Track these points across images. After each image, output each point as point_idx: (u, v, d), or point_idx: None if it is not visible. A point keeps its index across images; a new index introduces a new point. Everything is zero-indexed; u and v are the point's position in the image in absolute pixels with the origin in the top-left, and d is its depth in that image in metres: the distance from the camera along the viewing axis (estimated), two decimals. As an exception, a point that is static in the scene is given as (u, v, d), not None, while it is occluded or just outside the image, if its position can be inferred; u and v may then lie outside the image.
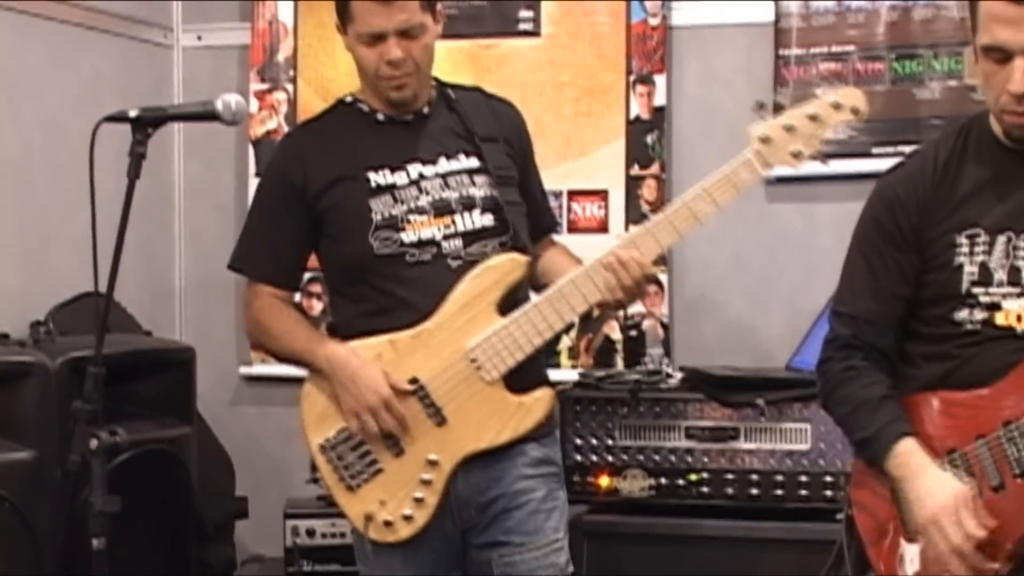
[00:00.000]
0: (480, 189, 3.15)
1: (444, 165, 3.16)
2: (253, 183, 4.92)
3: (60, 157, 4.40)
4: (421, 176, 3.14)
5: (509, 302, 3.09)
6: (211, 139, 4.96)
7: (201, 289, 5.10)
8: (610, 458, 3.96)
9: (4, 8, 4.27)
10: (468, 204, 3.14)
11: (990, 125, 2.76)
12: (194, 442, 4.05)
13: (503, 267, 3.10)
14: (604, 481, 3.96)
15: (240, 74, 5.01)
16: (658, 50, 4.58)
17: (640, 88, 4.60)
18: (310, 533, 4.28)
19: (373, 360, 3.07)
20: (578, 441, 3.93)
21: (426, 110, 3.20)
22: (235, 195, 5.05)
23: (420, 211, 3.11)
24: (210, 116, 2.86)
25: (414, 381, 3.06)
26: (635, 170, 4.60)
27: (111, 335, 3.15)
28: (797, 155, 2.97)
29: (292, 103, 4.92)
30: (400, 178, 3.13)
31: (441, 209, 3.12)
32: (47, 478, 3.45)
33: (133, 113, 2.82)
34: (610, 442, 3.96)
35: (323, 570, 4.26)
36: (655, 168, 4.59)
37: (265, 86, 4.95)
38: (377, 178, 3.13)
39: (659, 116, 4.59)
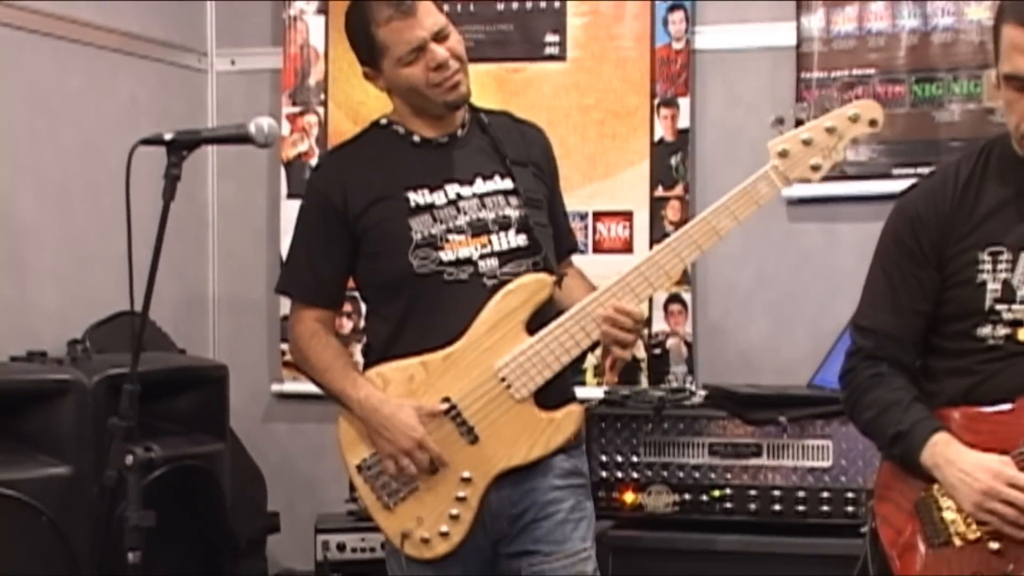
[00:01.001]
0: (515, 210, 3.16)
1: (480, 186, 3.16)
2: (285, 204, 4.95)
3: (98, 179, 4.42)
4: (459, 196, 3.14)
5: (536, 321, 3.09)
6: (244, 161, 4.97)
7: (234, 308, 5.12)
8: (635, 474, 3.96)
9: (44, 35, 4.29)
10: (504, 224, 3.14)
11: (1012, 146, 2.75)
12: (227, 458, 4.06)
13: (530, 287, 3.10)
14: (629, 497, 3.95)
15: (272, 97, 5.02)
16: (682, 73, 4.58)
17: (664, 111, 4.60)
18: (340, 548, 4.28)
19: (406, 381, 3.08)
20: (603, 457, 3.93)
21: (460, 132, 3.20)
22: (267, 216, 5.06)
23: (458, 231, 3.11)
24: (243, 139, 2.87)
25: (446, 401, 3.06)
26: (659, 191, 4.60)
27: (146, 353, 3.16)
28: (816, 168, 2.96)
29: (323, 126, 4.93)
30: (439, 198, 3.13)
31: (478, 229, 3.12)
32: (84, 493, 3.45)
33: (168, 136, 2.83)
34: (635, 458, 3.95)
35: (353, 584, 4.26)
36: (679, 189, 4.58)
37: (297, 109, 4.96)
38: (416, 198, 3.13)
39: (683, 138, 4.59)
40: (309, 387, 4.81)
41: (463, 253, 3.10)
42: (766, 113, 4.46)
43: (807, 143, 2.94)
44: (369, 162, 3.18)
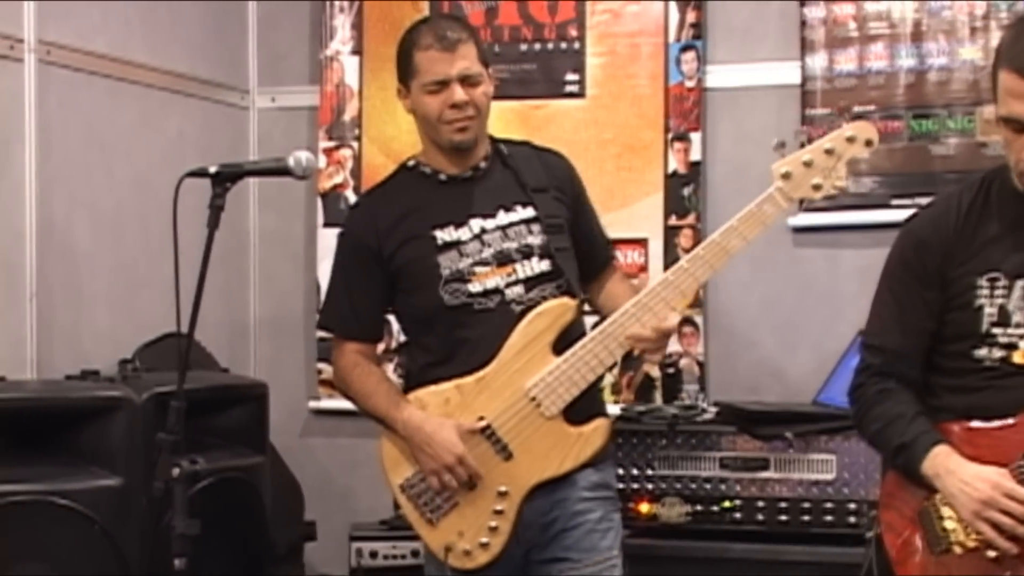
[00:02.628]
0: (536, 237, 3.17)
1: (503, 217, 3.18)
2: (321, 232, 4.96)
3: (148, 210, 4.43)
4: (483, 230, 3.15)
5: (563, 342, 3.10)
6: (283, 192, 4.99)
7: (274, 329, 5.13)
8: (650, 486, 3.95)
9: (99, 75, 4.32)
10: (527, 253, 3.15)
11: (1010, 179, 2.76)
12: (267, 470, 4.06)
13: (555, 311, 3.11)
14: (644, 507, 3.94)
15: (310, 132, 5.04)
16: (693, 110, 4.59)
17: (677, 145, 4.60)
18: (373, 555, 4.28)
19: (442, 404, 3.09)
20: (620, 470, 3.92)
21: (483, 165, 3.22)
22: (304, 243, 5.07)
23: (484, 263, 3.12)
24: (283, 171, 2.88)
25: (480, 419, 3.08)
26: (673, 220, 4.60)
27: (192, 372, 3.16)
28: (817, 187, 2.97)
29: (357, 159, 4.95)
30: (464, 233, 3.15)
31: (503, 259, 3.14)
32: (134, 503, 3.46)
33: (213, 169, 2.84)
34: (650, 471, 3.95)
35: (385, 589, 4.26)
36: (691, 218, 4.58)
37: (332, 143, 4.98)
38: (443, 235, 3.14)
39: (695, 171, 4.59)
40: (344, 404, 4.82)
41: (490, 283, 3.12)
42: (772, 147, 4.51)
43: (808, 164, 2.95)
44: (399, 204, 3.21)
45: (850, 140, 2.93)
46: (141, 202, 4.45)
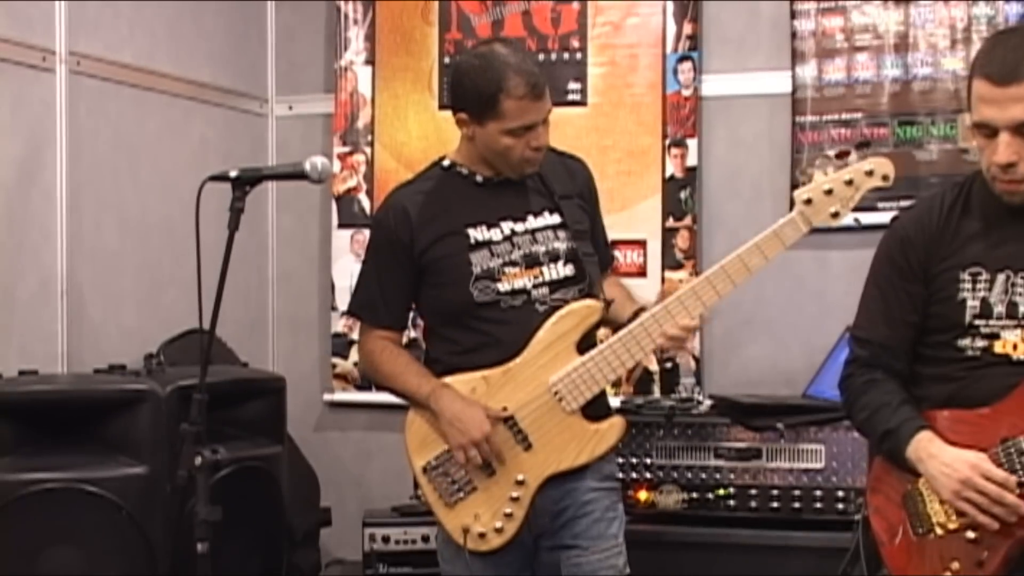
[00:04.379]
0: (563, 243, 3.16)
1: (532, 222, 3.17)
2: (336, 233, 4.97)
3: (172, 212, 4.44)
4: (513, 232, 3.15)
5: (586, 342, 3.10)
6: (300, 195, 4.99)
7: (291, 326, 5.13)
8: (648, 475, 3.95)
9: (126, 84, 4.33)
10: (553, 257, 3.15)
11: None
12: (284, 460, 4.06)
13: (581, 312, 3.11)
14: (643, 495, 3.94)
15: (325, 139, 5.04)
16: (690, 117, 4.59)
17: (674, 150, 4.60)
18: (386, 540, 4.27)
19: (468, 393, 3.09)
20: (620, 460, 3.92)
21: None
22: (320, 244, 5.08)
23: (513, 264, 3.12)
24: (299, 176, 2.87)
25: (504, 409, 3.08)
26: (670, 222, 4.60)
27: (213, 366, 3.18)
28: (835, 215, 2.97)
29: (370, 164, 4.95)
30: (495, 234, 3.13)
31: (531, 262, 3.13)
32: (159, 491, 3.46)
33: (233, 173, 2.84)
34: (648, 461, 3.95)
35: (397, 572, 4.25)
36: (688, 220, 4.58)
37: (347, 149, 4.98)
38: (476, 234, 3.13)
39: (691, 175, 4.59)
40: (358, 397, 4.89)
41: (518, 284, 3.11)
42: (764, 153, 4.53)
43: (828, 192, 2.95)
44: (434, 201, 3.17)
45: (869, 174, 2.94)
46: (165, 205, 4.45)
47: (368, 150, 4.96)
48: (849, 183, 2.95)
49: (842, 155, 4.31)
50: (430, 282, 3.17)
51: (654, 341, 3.05)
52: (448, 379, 3.12)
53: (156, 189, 4.46)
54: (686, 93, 4.60)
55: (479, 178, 3.18)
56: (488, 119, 3.06)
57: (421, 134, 4.88)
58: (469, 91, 3.07)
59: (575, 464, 3.10)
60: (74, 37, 4.07)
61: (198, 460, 2.78)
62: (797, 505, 3.82)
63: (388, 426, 4.68)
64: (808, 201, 2.97)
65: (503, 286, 3.11)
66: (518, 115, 3.04)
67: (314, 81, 5.10)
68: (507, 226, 3.16)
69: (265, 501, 3.87)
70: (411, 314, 3.31)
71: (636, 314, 3.09)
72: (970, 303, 2.75)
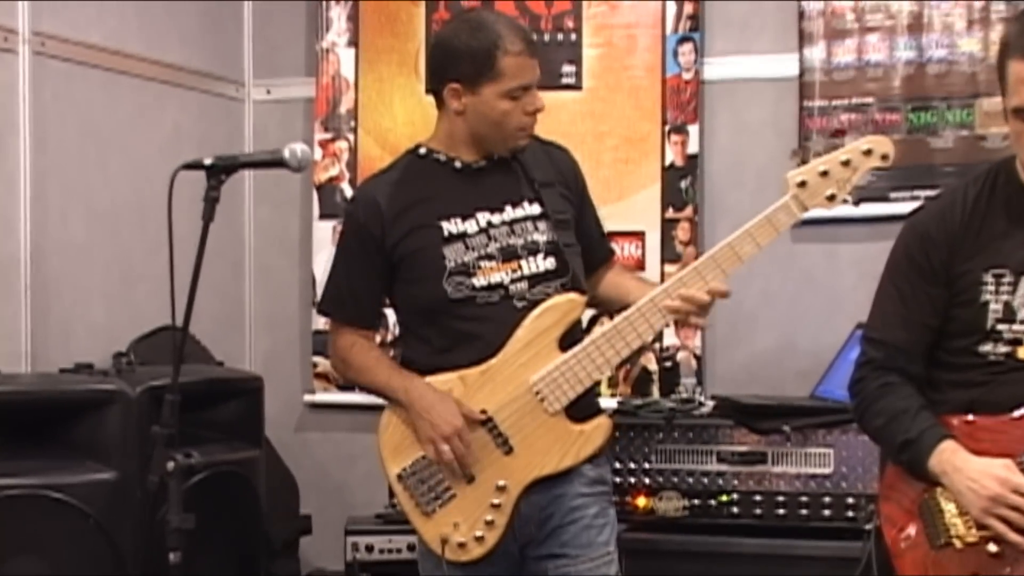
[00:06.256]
0: (543, 234, 3.15)
1: (510, 213, 3.16)
2: (317, 225, 4.96)
3: (143, 202, 4.43)
4: (489, 224, 3.14)
5: (569, 339, 3.09)
6: (279, 185, 4.98)
7: (269, 323, 5.12)
8: (647, 480, 3.94)
9: (95, 67, 4.31)
10: (532, 249, 3.14)
11: (1017, 172, 2.74)
12: (262, 464, 4.06)
13: (562, 307, 3.10)
14: (641, 501, 3.94)
15: (305, 125, 5.03)
16: (691, 102, 4.58)
17: (674, 137, 4.59)
18: (369, 549, 4.27)
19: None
20: (617, 464, 3.91)
21: (496, 156, 3.20)
22: (300, 236, 5.07)
23: (489, 257, 3.11)
24: (278, 163, 2.87)
25: (483, 413, 3.07)
26: (670, 213, 4.59)
27: (187, 365, 3.17)
28: (831, 198, 2.96)
29: (353, 151, 4.94)
30: (470, 226, 3.13)
31: (508, 255, 3.12)
32: (129, 497, 3.46)
33: (207, 161, 2.83)
34: (647, 465, 3.94)
35: (381, 583, 4.26)
36: (688, 211, 4.58)
37: (328, 135, 4.97)
38: (449, 227, 3.12)
39: (692, 163, 4.58)
40: (339, 397, 4.88)
41: (495, 279, 3.11)
42: (771, 140, 4.52)
43: (824, 175, 2.94)
44: (406, 192, 3.17)
45: (867, 153, 2.93)
46: (136, 195, 4.44)
47: (351, 136, 4.94)
48: (846, 164, 2.93)
49: (838, 134, 4.30)
50: (403, 278, 3.17)
51: (640, 336, 3.05)
52: (424, 380, 3.11)
53: (126, 178, 4.45)
54: (687, 76, 4.59)
55: (458, 164, 3.18)
56: (484, 82, 3.06)
57: (407, 120, 4.87)
58: (462, 54, 3.07)
59: (559, 468, 3.10)
60: (38, 16, 4.05)
61: (170, 465, 2.77)
62: (804, 512, 3.81)
63: (372, 428, 4.63)
64: (802, 183, 2.96)
65: (479, 281, 3.10)
66: (517, 73, 3.05)
67: (294, 64, 5.09)
68: (483, 217, 3.15)
69: (241, 508, 3.87)
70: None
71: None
72: (992, 306, 2.74)
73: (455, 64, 3.09)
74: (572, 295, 3.13)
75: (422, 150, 3.23)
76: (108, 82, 4.39)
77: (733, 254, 3.02)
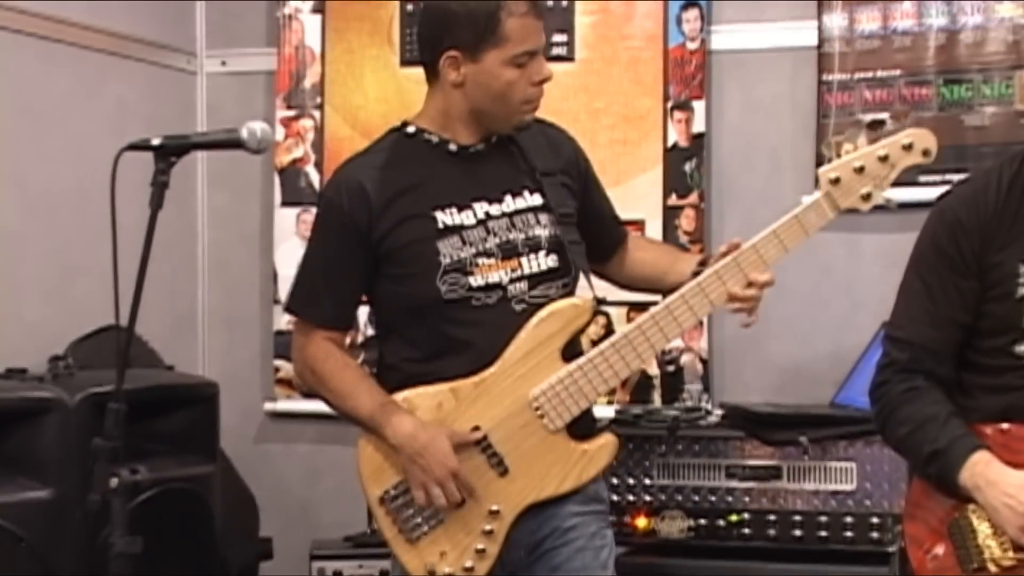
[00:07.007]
0: (544, 228, 3.14)
1: (510, 204, 3.15)
2: (279, 213, 4.95)
3: (83, 186, 4.42)
4: (488, 216, 3.12)
5: (572, 348, 3.09)
6: (236, 168, 4.98)
7: (225, 322, 5.12)
8: (648, 498, 3.95)
9: (28, 35, 4.30)
10: (534, 246, 3.13)
11: None
12: (217, 481, 4.06)
13: (567, 314, 3.09)
14: (641, 522, 3.94)
15: (266, 101, 5.04)
16: (696, 75, 4.58)
17: (678, 115, 4.60)
18: (336, 575, 4.27)
19: (435, 408, 3.07)
20: (615, 480, 3.92)
21: (494, 139, 3.18)
22: (260, 225, 5.06)
23: (488, 254, 3.09)
24: (235, 144, 2.86)
25: (476, 429, 3.06)
26: (673, 200, 4.60)
27: (132, 370, 3.15)
28: (867, 197, 2.97)
29: (319, 130, 4.94)
30: (467, 218, 3.11)
31: (508, 252, 3.11)
32: (66, 518, 3.45)
33: (156, 141, 2.82)
34: (648, 481, 3.95)
35: (350, 613, 4.27)
36: (694, 198, 4.58)
37: (291, 113, 4.97)
38: (444, 218, 3.09)
39: (698, 144, 4.59)
40: (304, 406, 4.87)
41: (492, 278, 3.09)
42: (785, 117, 4.52)
43: (859, 171, 2.95)
44: (396, 176, 3.13)
45: (907, 148, 2.93)
46: (76, 178, 4.44)
47: (317, 114, 4.94)
48: (884, 159, 2.94)
49: (876, 125, 4.31)
50: (389, 274, 3.14)
51: (654, 347, 3.06)
52: (411, 392, 3.09)
53: (64, 159, 4.44)
54: (692, 47, 4.59)
55: (452, 146, 3.15)
56: (486, 48, 3.05)
57: (380, 95, 4.87)
58: (461, 17, 3.05)
59: (559, 491, 3.09)
60: (-35, -21, 4.05)
61: (114, 481, 2.76)
62: (824, 534, 3.82)
63: (341, 439, 4.66)
64: (835, 180, 2.97)
65: (475, 280, 3.09)
66: (522, 37, 3.05)
67: (252, 32, 5.09)
68: (480, 208, 3.13)
69: (194, 530, 3.87)
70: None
71: (697, 270, 3.10)
72: None
73: (452, 29, 3.07)
74: (578, 300, 3.12)
75: (410, 128, 3.20)
76: (44, 52, 4.38)
77: (758, 257, 3.03)
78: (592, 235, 3.26)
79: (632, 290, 3.44)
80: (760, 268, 3.02)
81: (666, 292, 3.13)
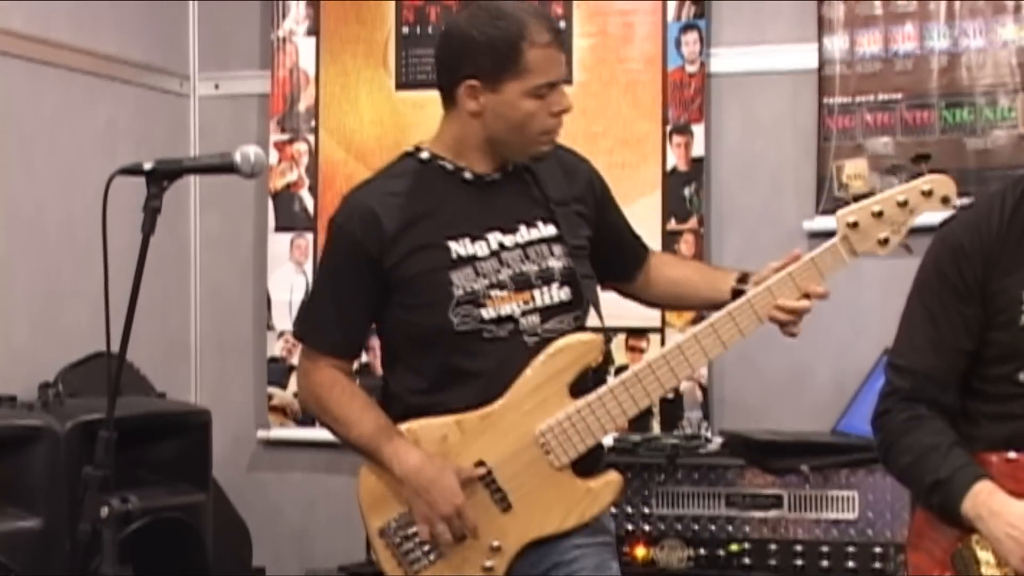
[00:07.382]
0: (558, 260, 3.13)
1: (524, 234, 3.13)
2: (273, 238, 4.95)
3: (73, 210, 4.42)
4: (501, 247, 3.10)
5: (581, 384, 3.08)
6: (229, 192, 4.98)
7: (218, 348, 5.11)
8: (646, 527, 3.95)
9: (16, 56, 4.30)
10: (547, 278, 3.11)
11: None
12: (209, 510, 4.05)
13: (577, 348, 3.09)
14: (640, 552, 3.94)
15: (259, 124, 5.04)
16: (696, 99, 4.59)
17: (677, 138, 4.60)
18: (331, 606, 4.27)
19: (439, 441, 3.06)
20: (613, 509, 3.91)
21: (510, 168, 3.18)
22: (254, 250, 5.06)
23: (500, 286, 3.08)
24: (228, 168, 2.85)
25: (480, 464, 3.05)
26: (672, 224, 4.60)
27: (123, 397, 3.14)
28: (884, 243, 2.97)
29: (313, 154, 4.94)
30: (480, 248, 3.09)
31: (521, 284, 3.09)
32: (56, 548, 3.44)
33: (148, 166, 2.81)
34: (646, 510, 3.95)
35: (344, 645, 4.26)
36: (693, 222, 4.58)
37: (285, 136, 4.97)
38: (458, 248, 3.08)
39: (697, 168, 4.60)
40: (298, 433, 4.87)
41: (505, 310, 3.08)
42: (786, 141, 4.53)
43: (877, 215, 2.95)
44: (409, 204, 3.11)
45: (926, 194, 2.94)
46: (65, 202, 4.44)
47: (311, 138, 4.95)
48: (903, 205, 2.94)
49: (920, 160, 4.30)
50: (399, 303, 3.12)
51: (663, 386, 3.06)
52: (416, 424, 3.08)
53: (54, 183, 4.44)
54: (691, 69, 4.60)
55: (468, 175, 3.14)
56: (507, 79, 3.02)
57: (375, 119, 4.88)
58: (482, 46, 3.02)
59: (561, 528, 3.08)
60: (-47, -1, 4.06)
61: (104, 511, 2.75)
62: (825, 564, 3.83)
63: (335, 468, 4.67)
64: (854, 224, 2.96)
65: (487, 312, 3.07)
66: (544, 69, 3.02)
67: (246, 55, 5.10)
68: (494, 239, 3.11)
69: (186, 559, 3.86)
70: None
71: (736, 291, 3.12)
72: None
73: (473, 58, 3.04)
74: (588, 336, 3.11)
75: (424, 154, 3.16)
76: (32, 74, 4.39)
77: (772, 298, 3.03)
78: (614, 255, 3.27)
79: (661, 308, 3.45)
80: (764, 317, 3.04)
81: (699, 308, 3.15)
